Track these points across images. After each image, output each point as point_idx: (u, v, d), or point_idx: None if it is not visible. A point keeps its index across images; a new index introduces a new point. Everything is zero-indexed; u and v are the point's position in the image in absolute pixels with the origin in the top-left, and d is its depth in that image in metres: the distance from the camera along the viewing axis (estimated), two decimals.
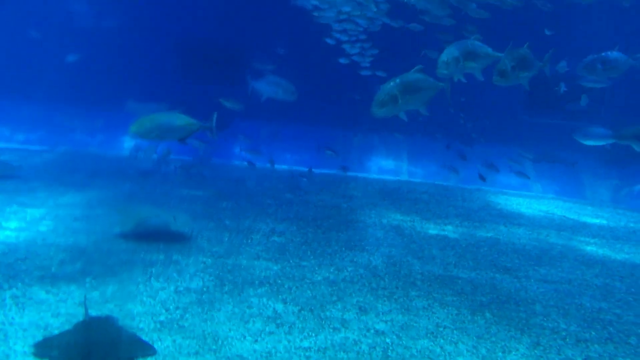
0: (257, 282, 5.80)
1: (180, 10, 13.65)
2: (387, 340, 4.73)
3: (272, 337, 4.61)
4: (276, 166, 12.19)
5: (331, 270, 6.35)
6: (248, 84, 10.55)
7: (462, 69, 6.48)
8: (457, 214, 9.72)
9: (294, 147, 13.68)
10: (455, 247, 7.70)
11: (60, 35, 13.31)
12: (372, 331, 4.88)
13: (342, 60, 12.14)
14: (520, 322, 5.33)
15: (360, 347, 4.56)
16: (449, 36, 9.52)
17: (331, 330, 4.82)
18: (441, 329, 5.03)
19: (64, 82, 13.10)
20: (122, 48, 13.60)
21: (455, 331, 5.02)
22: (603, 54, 8.51)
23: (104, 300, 5.02)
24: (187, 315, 4.86)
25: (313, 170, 11.84)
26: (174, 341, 4.39)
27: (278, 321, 4.91)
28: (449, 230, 8.57)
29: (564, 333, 5.19)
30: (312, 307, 5.26)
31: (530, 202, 11.54)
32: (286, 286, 5.75)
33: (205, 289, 5.48)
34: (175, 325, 4.66)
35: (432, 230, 8.51)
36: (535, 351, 4.77)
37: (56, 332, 4.35)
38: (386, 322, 5.08)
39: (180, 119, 6.18)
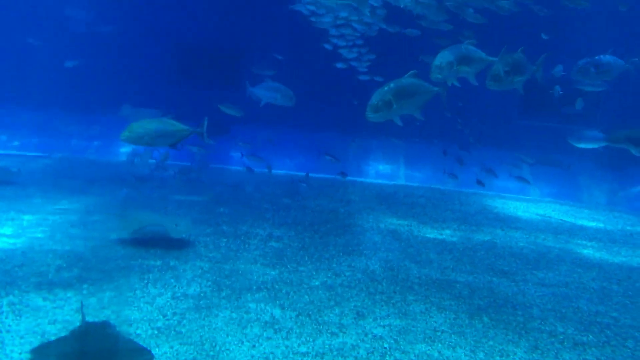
0: (254, 287, 5.79)
1: (179, 17, 13.68)
2: (385, 345, 4.73)
3: (269, 343, 4.60)
4: (274, 171, 12.20)
5: (329, 275, 6.35)
6: (247, 89, 10.57)
7: (456, 73, 6.50)
8: (454, 218, 9.73)
9: (291, 152, 13.70)
10: (452, 251, 7.71)
11: (57, 41, 13.32)
12: (369, 336, 4.88)
13: (340, 65, 12.17)
14: (517, 326, 5.34)
15: (358, 352, 4.56)
16: (446, 41, 9.55)
17: (329, 335, 4.82)
18: (439, 333, 5.03)
19: (61, 88, 13.11)
20: (119, 54, 13.62)
21: (453, 335, 5.02)
22: (596, 57, 8.56)
23: (101, 306, 5.01)
24: (184, 321, 4.86)
25: (310, 175, 11.85)
26: (172, 347, 4.38)
27: (276, 326, 4.91)
28: (446, 234, 8.58)
29: (561, 337, 5.20)
30: (310, 312, 5.26)
31: (527, 205, 11.57)
32: (284, 291, 5.74)
33: (202, 295, 5.47)
34: (172, 332, 4.65)
35: (430, 234, 8.52)
36: (533, 355, 4.78)
37: (53, 339, 4.33)
38: (384, 326, 5.09)
39: (171, 125, 6.19)
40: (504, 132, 13.22)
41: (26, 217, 7.66)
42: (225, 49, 13.95)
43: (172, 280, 5.78)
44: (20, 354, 4.11)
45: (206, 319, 4.95)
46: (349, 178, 12.48)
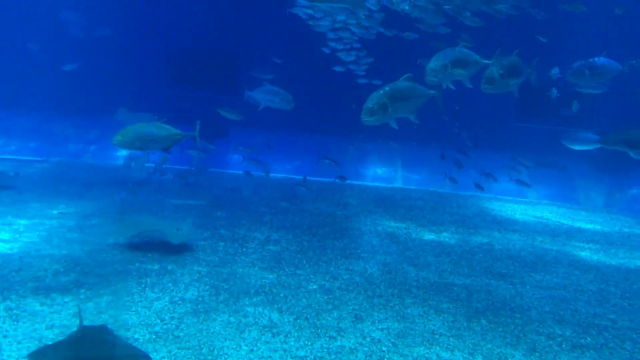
0: (252, 291, 5.78)
1: (177, 21, 13.69)
2: (383, 348, 4.73)
3: (267, 347, 4.60)
4: (272, 175, 12.19)
5: (327, 278, 6.34)
6: (244, 93, 10.59)
7: (451, 76, 6.51)
8: (451, 221, 9.74)
9: (290, 156, 13.70)
10: (450, 253, 7.71)
11: (54, 45, 13.32)
12: (368, 339, 4.87)
13: (338, 69, 12.19)
14: (516, 329, 5.34)
15: (356, 356, 4.56)
16: (444, 44, 9.57)
17: (327, 339, 4.82)
18: (437, 336, 5.03)
19: (58, 92, 13.10)
20: (117, 58, 13.62)
21: (451, 338, 5.02)
22: (590, 60, 8.59)
23: (98, 311, 5.00)
24: (182, 326, 4.85)
25: (308, 178, 11.85)
26: (170, 352, 4.37)
27: (274, 330, 4.90)
28: (444, 237, 8.58)
29: (559, 339, 5.20)
30: (308, 316, 5.25)
31: (524, 208, 11.59)
32: (282, 295, 5.74)
33: (200, 299, 5.46)
34: (170, 336, 4.64)
35: (427, 237, 8.52)
36: (532, 358, 4.78)
37: (50, 343, 4.32)
38: (382, 330, 5.08)
39: (163, 129, 6.20)
40: (501, 134, 13.25)
41: (23, 221, 7.64)
42: (223, 53, 13.96)
43: (170, 285, 5.77)
44: (17, 359, 4.10)
45: (204, 323, 4.94)
46: (346, 181, 12.47)
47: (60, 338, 4.40)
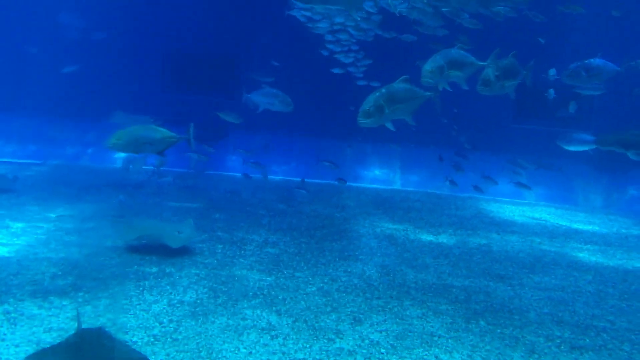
0: (250, 293, 5.78)
1: (174, 23, 13.69)
2: (382, 350, 4.72)
3: (266, 349, 4.59)
4: (270, 177, 12.18)
5: (325, 280, 6.34)
6: (243, 96, 10.60)
7: (447, 77, 6.52)
8: (450, 222, 9.75)
9: (288, 158, 13.70)
10: (448, 255, 7.71)
11: (51, 48, 13.31)
12: (366, 341, 4.87)
13: (336, 71, 12.20)
14: (514, 330, 5.34)
15: (355, 358, 4.55)
16: (442, 46, 9.59)
17: (326, 341, 4.81)
18: (436, 338, 5.03)
19: (55, 95, 13.08)
20: (114, 60, 13.61)
21: (450, 340, 5.02)
22: (586, 61, 8.61)
23: (96, 314, 4.99)
24: (180, 328, 4.84)
25: (306, 180, 11.85)
26: (168, 355, 4.37)
27: (272, 333, 4.90)
28: (443, 239, 8.58)
29: (558, 340, 5.20)
30: (307, 318, 5.25)
31: (522, 209, 11.60)
32: (280, 297, 5.73)
33: (199, 302, 5.46)
34: (169, 339, 4.63)
35: (426, 238, 8.53)
36: (531, 359, 4.78)
37: (48, 347, 4.30)
38: (381, 332, 5.08)
39: (157, 132, 6.17)
40: (499, 136, 13.26)
41: (21, 224, 7.63)
42: (221, 56, 13.96)
43: (168, 287, 5.76)
44: None
45: (202, 325, 4.93)
46: (346, 184, 12.47)
47: (58, 341, 4.39)
